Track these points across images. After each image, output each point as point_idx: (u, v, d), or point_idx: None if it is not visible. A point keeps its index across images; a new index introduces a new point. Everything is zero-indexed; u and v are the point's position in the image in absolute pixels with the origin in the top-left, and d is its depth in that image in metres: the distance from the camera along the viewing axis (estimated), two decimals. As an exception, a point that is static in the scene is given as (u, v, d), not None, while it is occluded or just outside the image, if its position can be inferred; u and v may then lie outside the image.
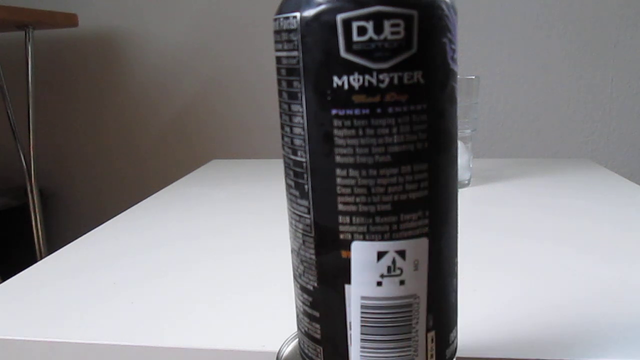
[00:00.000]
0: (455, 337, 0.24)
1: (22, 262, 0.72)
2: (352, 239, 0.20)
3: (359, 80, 0.19)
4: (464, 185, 0.67)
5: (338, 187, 0.20)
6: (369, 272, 0.20)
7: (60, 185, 1.53)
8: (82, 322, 0.34)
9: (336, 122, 0.20)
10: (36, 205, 1.21)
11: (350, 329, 0.21)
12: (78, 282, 0.41)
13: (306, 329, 0.23)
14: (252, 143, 1.42)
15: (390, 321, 0.21)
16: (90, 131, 1.48)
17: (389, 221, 0.20)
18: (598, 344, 0.29)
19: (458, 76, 0.22)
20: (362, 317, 0.21)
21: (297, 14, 0.20)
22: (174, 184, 0.74)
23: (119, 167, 1.49)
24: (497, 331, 0.31)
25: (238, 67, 1.39)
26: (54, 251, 0.49)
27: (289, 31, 0.20)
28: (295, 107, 0.21)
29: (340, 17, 0.19)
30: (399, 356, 0.21)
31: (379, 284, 0.20)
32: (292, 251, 0.23)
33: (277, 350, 0.30)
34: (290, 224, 0.23)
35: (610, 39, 1.26)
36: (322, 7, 0.19)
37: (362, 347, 0.21)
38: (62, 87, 1.47)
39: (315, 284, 0.22)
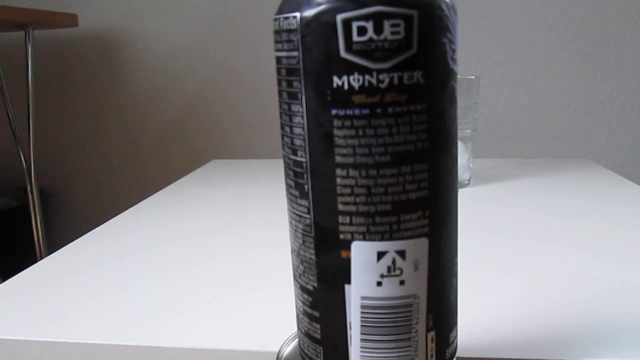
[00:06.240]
0: (455, 337, 0.24)
1: (22, 262, 0.73)
2: (352, 239, 0.20)
3: (359, 80, 0.19)
4: (464, 185, 0.67)
5: (338, 187, 0.20)
6: (369, 272, 0.20)
7: (60, 185, 1.53)
8: (82, 322, 0.34)
9: (336, 122, 0.20)
10: (36, 205, 1.21)
11: (350, 329, 0.21)
12: (78, 282, 0.41)
13: (306, 329, 0.23)
14: (252, 143, 1.42)
15: (390, 321, 0.21)
16: (90, 131, 1.48)
17: (389, 221, 0.20)
18: (598, 344, 0.29)
19: (458, 76, 0.22)
20: (362, 317, 0.21)
21: (297, 14, 0.20)
22: (174, 184, 0.74)
23: (119, 167, 1.49)
24: (497, 331, 0.31)
25: (238, 67, 1.39)
26: (54, 251, 0.49)
27: (289, 31, 0.20)
28: (295, 107, 0.21)
29: (340, 17, 0.19)
30: (399, 356, 0.21)
31: (379, 284, 0.20)
32: (292, 251, 0.23)
33: (277, 350, 0.30)
34: (290, 224, 0.23)
35: (610, 39, 1.26)
36: (322, 7, 0.19)
37: (362, 347, 0.21)
38: (62, 87, 1.47)
39: (315, 284, 0.22)
